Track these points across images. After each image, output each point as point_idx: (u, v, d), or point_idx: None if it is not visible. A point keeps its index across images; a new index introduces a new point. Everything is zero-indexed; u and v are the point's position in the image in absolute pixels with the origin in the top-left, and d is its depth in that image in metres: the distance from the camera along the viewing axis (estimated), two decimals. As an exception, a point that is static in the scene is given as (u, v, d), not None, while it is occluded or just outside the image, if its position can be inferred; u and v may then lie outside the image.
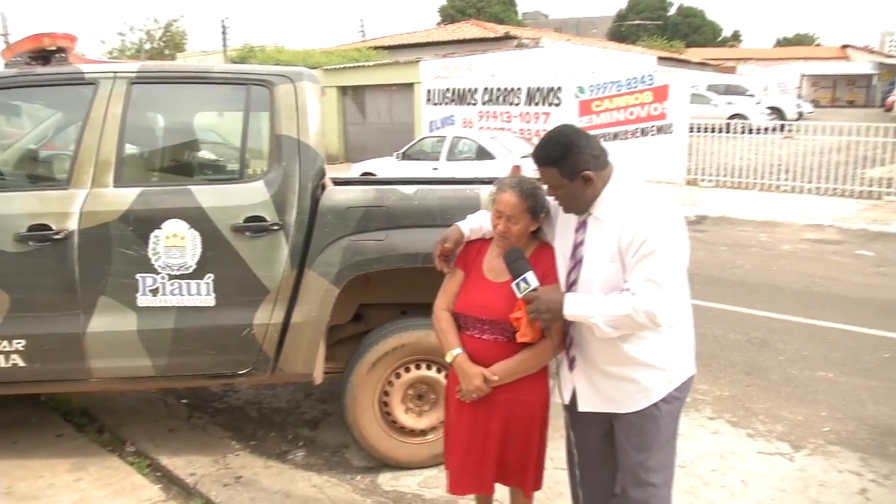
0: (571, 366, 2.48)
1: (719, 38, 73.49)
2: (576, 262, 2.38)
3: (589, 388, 2.45)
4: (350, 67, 21.89)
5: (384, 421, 3.63)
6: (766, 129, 17.18)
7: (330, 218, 3.36)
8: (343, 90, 21.79)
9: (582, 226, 2.38)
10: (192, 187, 3.37)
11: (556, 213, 2.50)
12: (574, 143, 2.25)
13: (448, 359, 2.55)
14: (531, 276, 2.34)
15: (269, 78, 3.49)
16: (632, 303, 2.18)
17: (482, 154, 12.22)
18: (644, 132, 14.56)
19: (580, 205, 2.34)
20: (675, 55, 39.40)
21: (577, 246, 2.38)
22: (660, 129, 14.40)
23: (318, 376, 3.60)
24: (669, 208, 2.24)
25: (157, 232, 3.28)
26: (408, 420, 3.64)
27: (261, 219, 3.32)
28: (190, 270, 3.31)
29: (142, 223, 3.29)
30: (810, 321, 6.14)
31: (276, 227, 3.33)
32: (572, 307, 2.27)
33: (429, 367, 3.59)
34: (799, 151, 14.51)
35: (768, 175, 13.97)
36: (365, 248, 3.36)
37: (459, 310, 2.56)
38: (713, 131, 14.58)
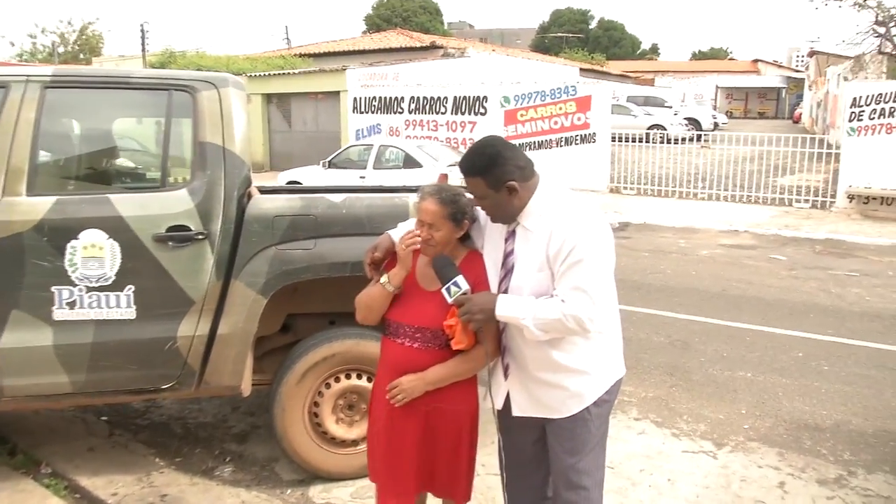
0: (506, 373, 2.50)
1: (638, 51, 75.92)
2: (507, 272, 2.41)
3: (523, 394, 2.48)
4: (275, 75, 21.57)
5: (314, 432, 3.57)
6: (683, 140, 17.85)
7: (256, 227, 3.30)
8: (268, 98, 21.44)
9: (511, 235, 2.41)
10: (111, 196, 3.24)
11: (486, 223, 2.53)
12: (499, 154, 2.28)
13: (383, 281, 2.49)
14: (461, 280, 2.35)
15: (192, 83, 3.40)
16: (561, 308, 2.22)
17: (409, 162, 12.24)
18: (568, 141, 14.87)
19: (507, 215, 2.38)
20: (596, 67, 40.48)
21: (507, 255, 2.41)
22: (583, 139, 14.74)
23: (246, 389, 3.52)
24: (595, 217, 2.30)
25: (73, 242, 3.15)
26: (339, 430, 3.59)
27: (184, 228, 3.23)
28: (109, 282, 3.19)
29: (57, 233, 3.15)
30: (728, 323, 6.39)
31: (200, 237, 3.24)
32: (504, 308, 2.30)
33: (359, 377, 3.56)
34: (715, 161, 15.12)
35: (686, 183, 14.49)
36: (292, 258, 3.31)
37: (391, 317, 2.55)
38: (634, 141, 15.04)
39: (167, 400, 4.46)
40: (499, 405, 2.57)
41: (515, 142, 14.85)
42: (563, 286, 2.24)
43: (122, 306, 3.22)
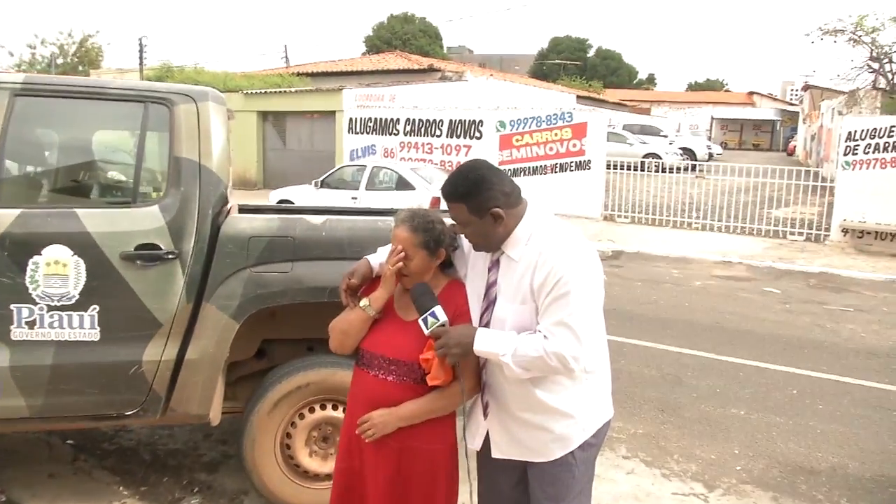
0: (485, 412, 2.34)
1: (635, 80, 76.47)
2: (489, 303, 2.26)
3: (503, 434, 2.33)
4: (271, 92, 21.51)
5: (286, 465, 3.40)
6: (678, 169, 17.80)
7: (231, 247, 3.14)
8: (263, 115, 21.36)
9: (495, 265, 2.27)
10: (79, 210, 3.08)
11: (470, 251, 2.38)
12: (484, 179, 2.14)
13: (363, 304, 2.34)
14: (439, 311, 2.20)
15: (169, 96, 3.26)
16: (544, 345, 2.07)
17: (402, 184, 12.12)
18: (563, 168, 14.81)
19: (490, 243, 2.23)
20: (593, 94, 40.66)
21: (490, 286, 2.26)
22: (578, 165, 14.67)
23: (216, 417, 3.34)
24: (583, 247, 2.15)
25: (36, 258, 2.98)
26: (312, 464, 3.41)
27: (154, 246, 3.07)
28: (72, 301, 3.02)
29: (19, 248, 2.98)
30: (722, 357, 6.24)
31: (171, 256, 3.08)
32: (483, 343, 2.15)
33: (335, 408, 3.39)
34: (709, 191, 15.06)
35: (681, 213, 14.41)
36: (268, 281, 3.15)
37: (365, 346, 2.39)
38: (629, 169, 14.98)
39: (133, 426, 4.26)
40: (476, 446, 2.41)
41: (510, 167, 14.90)
42: (546, 321, 2.09)
43: (85, 327, 3.05)
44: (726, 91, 73.35)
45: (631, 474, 4.02)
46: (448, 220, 2.39)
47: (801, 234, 12.95)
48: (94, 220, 3.07)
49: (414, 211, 2.37)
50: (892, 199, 11.62)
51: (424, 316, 2.20)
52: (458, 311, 2.32)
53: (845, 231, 12.26)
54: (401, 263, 2.30)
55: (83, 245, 3.02)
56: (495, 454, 2.34)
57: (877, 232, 11.90)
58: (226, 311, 3.12)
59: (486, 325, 2.24)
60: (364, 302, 2.36)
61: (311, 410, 3.38)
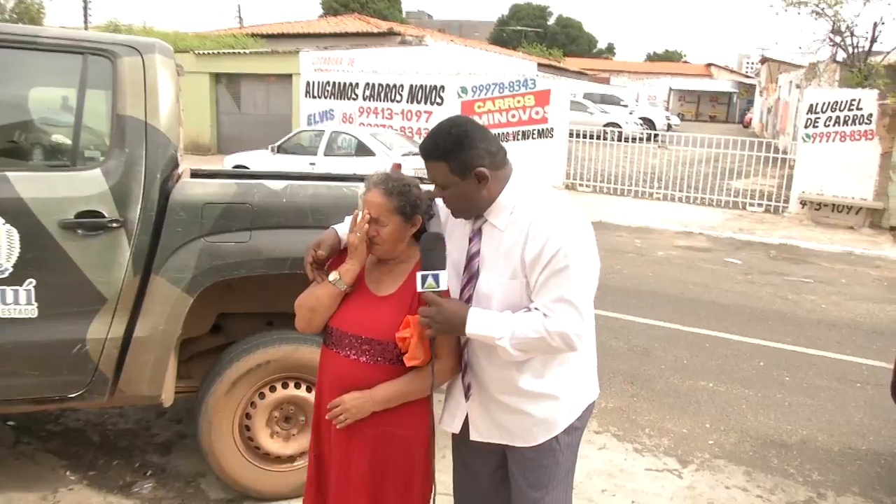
0: (467, 394, 2.17)
1: (594, 50, 76.46)
2: (470, 277, 2.07)
3: (483, 416, 2.16)
4: (225, 53, 20.76)
5: (246, 447, 3.19)
6: (638, 139, 17.77)
7: (182, 215, 2.88)
8: (217, 77, 20.63)
9: (476, 234, 2.07)
10: (10, 174, 2.78)
11: (447, 219, 2.18)
12: (468, 135, 1.93)
13: (333, 278, 2.14)
14: (443, 277, 1.99)
15: (111, 48, 2.95)
16: (545, 324, 1.89)
17: (362, 150, 11.81)
18: (525, 135, 14.62)
19: (472, 208, 2.03)
20: (553, 63, 40.43)
21: (472, 258, 2.07)
22: (540, 133, 14.50)
23: (168, 398, 3.11)
24: (577, 216, 1.97)
25: (-37, 227, 2.69)
26: (273, 446, 3.22)
27: (97, 214, 2.80)
28: (6, 275, 2.74)
29: (-57, 216, 2.69)
30: (688, 328, 6.19)
31: (115, 225, 2.82)
32: (476, 325, 1.95)
33: (297, 386, 3.19)
34: (669, 161, 15.08)
35: (642, 182, 14.39)
36: (224, 251, 2.91)
37: (335, 324, 2.18)
38: (590, 137, 14.86)
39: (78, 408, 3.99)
40: (455, 429, 2.24)
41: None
42: (544, 297, 1.91)
43: (20, 303, 2.77)
44: (684, 63, 73.84)
45: (603, 450, 3.92)
46: (424, 187, 2.19)
47: (760, 205, 13.03)
48: (29, 184, 2.77)
49: (387, 174, 2.16)
50: (849, 172, 11.73)
51: (427, 274, 1.99)
52: None
53: (804, 203, 12.37)
54: (367, 228, 2.10)
55: (16, 212, 2.72)
56: (474, 437, 2.19)
57: (834, 204, 12.02)
58: (177, 284, 2.88)
59: (468, 301, 2.06)
60: (334, 276, 2.15)
61: (272, 389, 3.17)
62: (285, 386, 3.17)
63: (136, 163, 2.86)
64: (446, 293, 2.03)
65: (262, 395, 3.15)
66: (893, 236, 11.20)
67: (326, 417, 2.17)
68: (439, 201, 2.16)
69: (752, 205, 13.11)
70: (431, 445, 2.26)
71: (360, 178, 3.69)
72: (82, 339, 2.85)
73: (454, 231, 2.15)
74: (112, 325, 2.87)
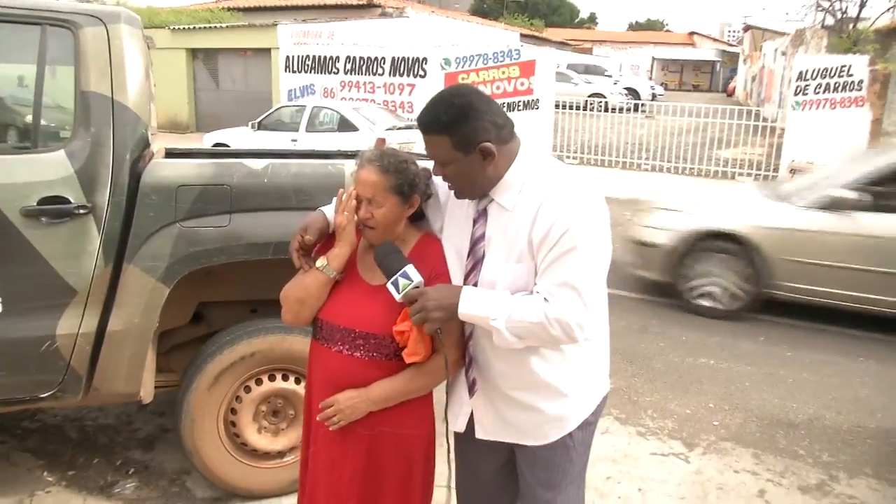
0: (472, 390, 1.99)
1: (576, 20, 75.77)
2: (475, 262, 1.88)
3: (490, 413, 1.98)
4: (201, 28, 20.22)
5: (232, 444, 3.01)
6: (623, 109, 17.57)
7: (155, 199, 2.66)
8: (193, 53, 20.14)
9: (481, 216, 1.88)
10: (-35, 157, 2.55)
11: (447, 199, 1.99)
12: (472, 106, 1.74)
13: (320, 265, 1.95)
14: (412, 270, 1.81)
15: (73, 18, 2.70)
16: (544, 309, 1.71)
17: (344, 125, 11.52)
18: (510, 107, 14.32)
19: (476, 187, 1.84)
20: (536, 33, 39.93)
21: (477, 241, 1.88)
22: (526, 105, 14.23)
23: (147, 394, 2.91)
24: (591, 195, 1.78)
25: (-87, 216, 2.46)
26: (261, 441, 3.03)
27: (62, 200, 2.57)
28: (-37, 268, 2.52)
29: None
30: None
31: (82, 211, 2.59)
32: (470, 304, 1.77)
33: (285, 378, 3.00)
34: (655, 131, 14.89)
35: (629, 153, 14.21)
36: (201, 237, 2.69)
37: (325, 317, 1.99)
38: (575, 108, 14.62)
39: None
40: (460, 427, 2.06)
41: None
42: (547, 280, 1.73)
43: (-19, 297, 2.55)
44: (667, 31, 73.44)
45: (606, 434, 3.78)
46: (421, 163, 1.99)
47: (749, 174, 12.90)
48: (-15, 168, 2.54)
49: (382, 150, 1.96)
50: (839, 140, 11.58)
51: (395, 278, 1.81)
52: (434, 271, 1.94)
53: (793, 171, 12.22)
54: (354, 205, 1.91)
55: (-27, 199, 2.50)
56: (480, 435, 2.01)
57: (823, 172, 11.90)
58: (152, 273, 2.66)
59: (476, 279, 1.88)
60: (321, 262, 1.95)
61: (259, 382, 2.98)
62: (272, 378, 2.98)
63: (102, 143, 2.63)
64: (424, 283, 1.85)
65: (247, 389, 2.96)
66: (883, 204, 11.10)
67: (318, 419, 1.99)
68: (438, 179, 1.96)
69: (741, 174, 12.98)
70: (432, 445, 2.10)
71: (346, 155, 3.49)
72: (51, 335, 2.63)
73: (456, 212, 1.96)
74: (83, 319, 2.66)
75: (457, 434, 2.11)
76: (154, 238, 2.66)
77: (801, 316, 5.83)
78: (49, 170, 2.57)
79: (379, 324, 1.90)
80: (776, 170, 12.63)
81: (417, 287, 1.80)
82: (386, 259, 1.84)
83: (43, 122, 2.67)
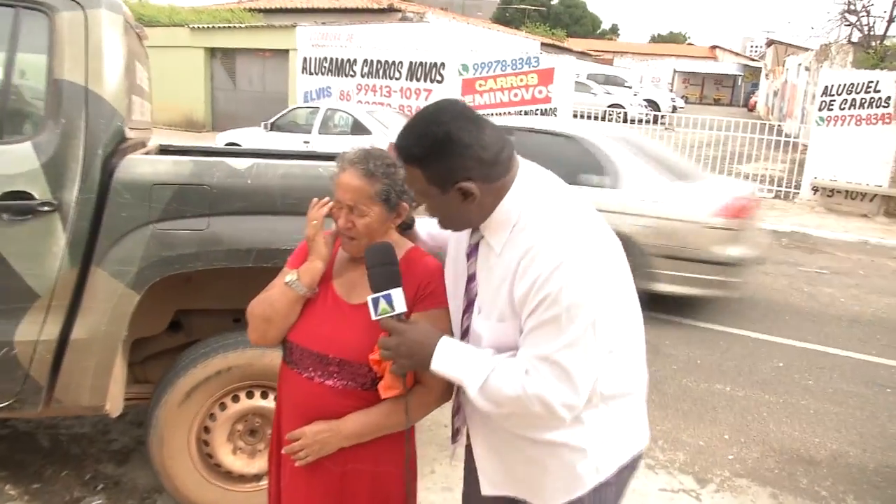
0: (454, 436, 1.74)
1: (598, 31, 75.50)
2: (469, 302, 1.63)
3: (493, 463, 1.69)
4: (220, 27, 20.18)
5: (205, 465, 2.78)
6: (641, 121, 17.29)
7: (128, 197, 2.45)
8: (212, 52, 20.08)
9: (473, 251, 1.61)
10: (-79, 147, 2.35)
11: None
12: (451, 139, 1.42)
13: (289, 279, 1.72)
14: (398, 296, 1.57)
15: (49, 0, 2.50)
16: (524, 383, 1.43)
17: (358, 128, 11.33)
18: (528, 115, 14.12)
19: (459, 224, 1.60)
20: (557, 42, 39.69)
21: (469, 281, 1.62)
22: (543, 114, 13.99)
23: (115, 408, 2.69)
24: (589, 242, 1.45)
25: None
26: (237, 463, 2.80)
27: (25, 195, 2.37)
28: (-85, 266, 2.32)
29: None
30: (700, 324, 5.78)
31: (47, 208, 2.39)
32: (442, 361, 1.51)
33: (264, 396, 2.77)
34: (676, 144, 14.57)
35: (647, 166, 13.87)
36: (177, 240, 2.48)
37: (296, 339, 1.76)
38: (593, 119, 14.34)
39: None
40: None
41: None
42: (528, 350, 1.45)
43: (-66, 299, 2.35)
44: (689, 45, 72.98)
45: (612, 465, 3.51)
46: None
47: (770, 191, 12.57)
48: (-57, 159, 2.34)
49: (367, 151, 1.72)
50: (864, 158, 11.25)
51: (377, 297, 1.57)
52: (420, 292, 1.70)
53: (816, 189, 11.91)
54: (324, 213, 1.69)
55: (-73, 192, 2.30)
56: (486, 491, 1.71)
57: (847, 191, 11.56)
58: (122, 278, 2.45)
59: (466, 333, 1.62)
60: (291, 276, 1.72)
61: (235, 399, 2.75)
62: (250, 395, 2.76)
63: (73, 136, 2.42)
64: (407, 314, 1.60)
65: (222, 406, 2.74)
66: (909, 225, 10.76)
67: (283, 451, 1.76)
68: None
69: (761, 190, 12.63)
70: (413, 482, 1.86)
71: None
72: (9, 341, 2.43)
73: (461, 235, 1.69)
74: (45, 325, 2.45)
75: (465, 489, 1.85)
76: (125, 240, 2.45)
77: (823, 340, 5.55)
78: (12, 163, 2.37)
79: (355, 350, 1.67)
80: (798, 186, 12.28)
81: (399, 318, 1.56)
82: (376, 269, 1.60)
83: (9, 111, 2.48)
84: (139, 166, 2.49)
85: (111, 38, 2.57)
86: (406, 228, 1.87)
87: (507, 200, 1.49)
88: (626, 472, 1.64)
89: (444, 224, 1.60)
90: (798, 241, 9.57)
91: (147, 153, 2.99)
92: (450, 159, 1.43)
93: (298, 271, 1.72)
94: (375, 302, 1.57)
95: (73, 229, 2.41)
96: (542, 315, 1.39)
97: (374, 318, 1.57)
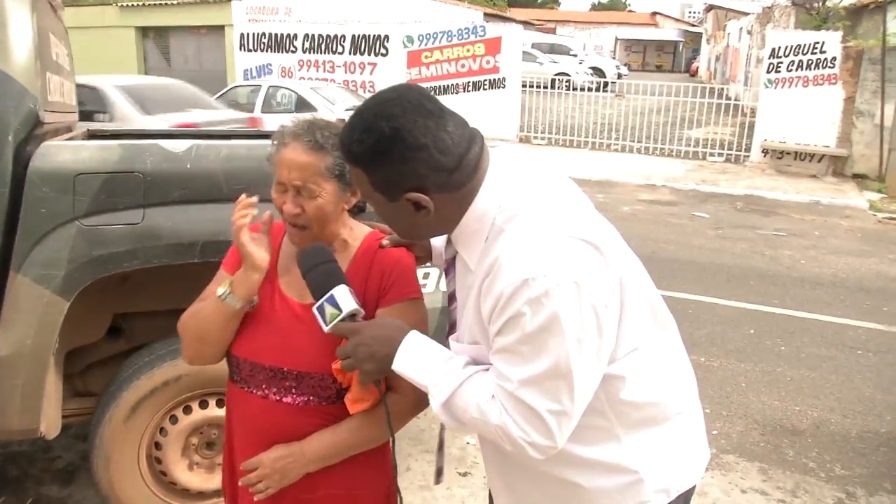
0: (438, 478, 1.50)
1: (539, 0, 75.26)
2: (450, 326, 1.40)
3: (507, 496, 1.43)
4: (150, 5, 19.32)
5: (158, 484, 2.51)
6: (589, 88, 17.18)
7: (47, 190, 2.13)
8: (144, 31, 19.27)
9: (451, 267, 1.38)
10: None
11: None
12: (401, 139, 1.13)
13: (221, 292, 1.43)
14: (342, 294, 1.31)
15: (-62, -37, 2.15)
16: (489, 409, 1.18)
17: (302, 106, 10.92)
18: (476, 86, 13.85)
19: (416, 236, 1.37)
20: (499, 12, 39.32)
21: (450, 301, 1.39)
22: (492, 84, 13.75)
23: (51, 428, 2.38)
24: (571, 244, 1.14)
25: None
26: (193, 480, 2.54)
27: (-76, 193, 2.04)
28: None
29: None
30: (667, 293, 5.58)
31: (-49, 207, 2.06)
32: (406, 361, 1.26)
33: (220, 405, 2.49)
34: (623, 111, 14.54)
35: (598, 133, 13.82)
36: (108, 237, 2.17)
37: (241, 353, 1.49)
38: (540, 87, 14.14)
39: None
40: None
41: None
42: (493, 375, 1.20)
43: None
44: (630, 12, 73.38)
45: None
46: None
47: (720, 154, 12.61)
48: None
49: (310, 121, 1.44)
50: (813, 119, 11.32)
51: (321, 302, 1.31)
52: (384, 283, 1.46)
53: (765, 151, 11.98)
54: (254, 210, 1.41)
55: None
56: None
57: (796, 153, 11.65)
58: (46, 283, 2.14)
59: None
60: (222, 288, 1.43)
61: (187, 411, 2.48)
62: (204, 405, 2.48)
63: (-24, 121, 2.09)
64: (366, 315, 1.36)
65: (173, 419, 2.46)
66: (857, 184, 10.90)
67: (240, 483, 1.50)
68: None
69: (712, 154, 12.68)
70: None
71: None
72: (-82, 361, 2.10)
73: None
74: (-41, 342, 2.13)
75: None
76: (47, 240, 2.13)
77: (789, 304, 5.50)
78: None
79: (313, 359, 1.42)
80: (748, 149, 12.34)
81: (352, 317, 1.31)
82: (312, 272, 1.34)
83: None
84: (59, 154, 2.17)
85: (16, 8, 2.22)
86: (359, 212, 1.59)
87: (476, 207, 1.21)
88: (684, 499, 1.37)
89: (402, 235, 1.35)
90: (752, 203, 9.59)
91: (72, 139, 2.66)
92: (398, 164, 1.15)
93: (232, 281, 1.44)
94: (321, 310, 1.31)
95: (-16, 230, 2.09)
96: (506, 339, 1.14)
97: (326, 329, 1.32)
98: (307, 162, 1.38)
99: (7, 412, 2.24)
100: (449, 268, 1.38)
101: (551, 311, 1.09)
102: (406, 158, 1.14)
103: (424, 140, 1.14)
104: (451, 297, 1.37)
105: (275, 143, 1.44)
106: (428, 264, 1.65)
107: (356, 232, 1.53)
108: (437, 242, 1.57)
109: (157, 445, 2.47)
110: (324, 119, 1.47)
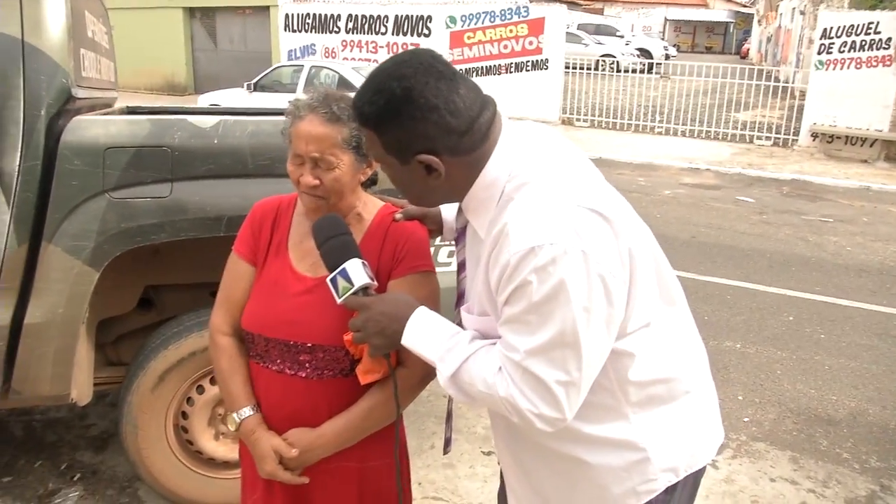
0: (447, 448, 1.51)
1: (587, -21, 73.96)
2: (459, 296, 1.40)
3: (516, 471, 1.42)
4: (198, -14, 19.54)
5: (185, 453, 2.57)
6: (634, 70, 16.89)
7: (78, 164, 2.18)
8: (190, 12, 19.46)
9: (461, 236, 1.38)
10: None
11: None
12: (411, 99, 1.13)
13: (231, 425, 1.53)
14: (354, 267, 1.33)
15: (-25, -59, 2.20)
16: (496, 381, 1.17)
17: (344, 86, 10.95)
18: (518, 67, 13.72)
19: (427, 201, 1.34)
20: (545, -7, 38.86)
21: (459, 270, 1.39)
22: (535, 65, 13.61)
23: (83, 395, 2.46)
24: (582, 213, 1.12)
25: None
26: (219, 449, 2.59)
27: (-41, 165, 2.10)
28: None
29: None
30: (705, 278, 5.56)
31: (-14, 179, 2.12)
32: (414, 337, 1.27)
33: (246, 376, 2.54)
34: (669, 93, 14.25)
35: (642, 116, 13.59)
36: (136, 210, 2.22)
37: (252, 328, 1.51)
38: (585, 69, 13.94)
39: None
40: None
41: (461, 67, 13.68)
42: (501, 346, 1.19)
43: None
44: (679, -9, 71.60)
45: (621, 433, 3.32)
46: None
47: (768, 138, 12.29)
48: None
49: (325, 93, 1.46)
50: (865, 101, 10.94)
51: (333, 275, 1.34)
52: (397, 255, 1.47)
53: (815, 135, 11.63)
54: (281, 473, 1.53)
55: None
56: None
57: (847, 136, 11.28)
58: (77, 254, 2.19)
59: (459, 324, 1.35)
60: (234, 419, 1.56)
61: (214, 381, 2.52)
62: (230, 377, 2.52)
63: (10, 96, 2.14)
64: (383, 285, 1.38)
65: (200, 389, 2.51)
66: (911, 170, 10.54)
67: (260, 474, 1.53)
68: None
69: (759, 138, 12.36)
70: (406, 473, 1.65)
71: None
72: (-46, 329, 2.18)
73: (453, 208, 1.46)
74: (-6, 309, 2.20)
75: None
76: (78, 212, 2.18)
77: (832, 291, 5.35)
78: (-58, 128, 2.09)
79: (326, 331, 1.44)
80: (796, 133, 11.99)
81: (361, 293, 1.32)
82: (327, 244, 1.36)
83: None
84: (89, 128, 2.21)
85: (52, -18, 2.26)
86: (371, 185, 1.60)
87: (486, 173, 1.20)
88: (680, 488, 1.32)
89: (412, 201, 1.33)
90: (799, 188, 9.34)
91: (108, 115, 2.71)
92: (408, 124, 1.15)
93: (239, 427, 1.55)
94: (334, 282, 1.33)
95: (17, 202, 2.15)
96: (513, 309, 1.13)
97: (338, 301, 1.33)
98: (325, 133, 1.39)
99: (39, 379, 2.31)
100: (460, 237, 1.38)
101: (558, 280, 1.08)
102: (416, 119, 1.14)
103: (435, 101, 1.14)
104: (461, 267, 1.37)
105: (290, 116, 1.45)
106: (451, 241, 1.65)
107: (370, 206, 1.54)
108: (449, 216, 1.57)
109: (184, 415, 2.52)
110: (337, 91, 1.48)
